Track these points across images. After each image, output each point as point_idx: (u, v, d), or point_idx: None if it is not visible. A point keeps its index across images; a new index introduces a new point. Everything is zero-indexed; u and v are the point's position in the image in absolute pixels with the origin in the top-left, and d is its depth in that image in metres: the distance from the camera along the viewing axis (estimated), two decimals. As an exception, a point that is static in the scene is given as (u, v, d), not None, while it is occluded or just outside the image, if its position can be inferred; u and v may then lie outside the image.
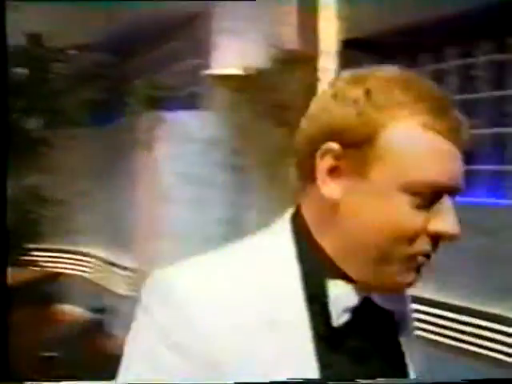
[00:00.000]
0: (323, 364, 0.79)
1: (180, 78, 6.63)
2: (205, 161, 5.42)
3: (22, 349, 4.30)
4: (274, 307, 0.78)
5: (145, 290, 0.80)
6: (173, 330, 0.76)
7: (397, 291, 0.86)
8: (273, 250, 0.83)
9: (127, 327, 0.81)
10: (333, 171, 0.81)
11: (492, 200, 4.24)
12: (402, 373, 0.88)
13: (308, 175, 0.83)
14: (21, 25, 4.48)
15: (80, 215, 7.34)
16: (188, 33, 6.41)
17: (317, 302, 0.81)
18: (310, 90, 4.06)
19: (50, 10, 6.07)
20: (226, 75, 5.36)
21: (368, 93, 0.80)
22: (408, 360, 0.88)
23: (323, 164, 0.81)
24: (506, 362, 4.01)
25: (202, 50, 5.95)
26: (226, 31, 5.53)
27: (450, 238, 0.79)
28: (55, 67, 6.01)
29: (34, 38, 5.81)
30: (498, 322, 4.09)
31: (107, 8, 5.99)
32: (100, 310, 6.80)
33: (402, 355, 0.88)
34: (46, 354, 5.18)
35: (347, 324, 0.81)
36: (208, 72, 5.66)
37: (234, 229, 5.07)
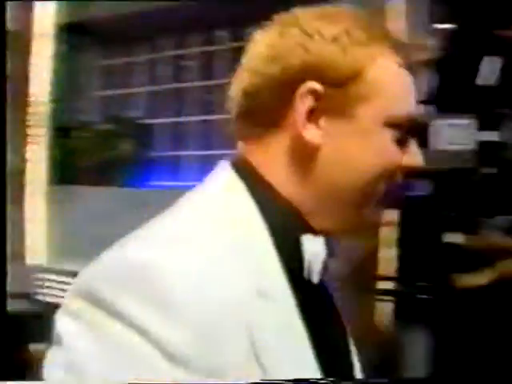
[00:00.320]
0: (309, 327, 0.75)
1: None
2: None
3: None
4: (256, 274, 0.71)
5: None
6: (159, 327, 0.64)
7: (366, 233, 0.85)
8: (235, 209, 0.75)
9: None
10: (312, 113, 0.75)
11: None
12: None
13: (268, 122, 0.77)
14: None
15: None
16: None
17: (293, 260, 0.76)
18: (23, 74, 4.00)
19: None
20: None
21: (348, 30, 0.77)
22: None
23: (302, 106, 0.75)
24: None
25: None
26: None
27: (417, 170, 0.80)
28: None
29: None
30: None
31: None
32: None
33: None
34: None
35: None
36: None
37: None
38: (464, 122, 2.40)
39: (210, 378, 0.64)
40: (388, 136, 0.77)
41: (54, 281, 4.17)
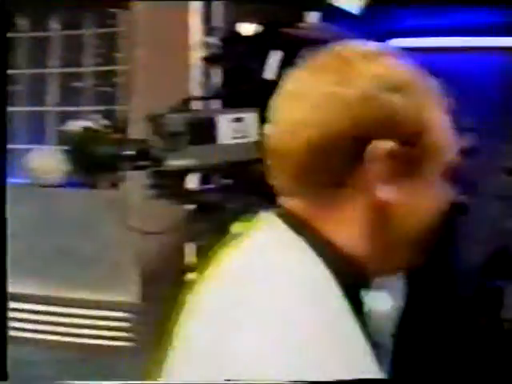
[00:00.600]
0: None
1: None
2: None
3: None
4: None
5: None
6: None
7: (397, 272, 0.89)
8: (302, 267, 0.72)
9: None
10: (386, 173, 0.73)
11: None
12: None
13: (331, 180, 0.73)
14: None
15: None
16: None
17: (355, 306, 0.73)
18: None
19: None
20: None
21: (407, 78, 0.74)
22: None
23: (379, 167, 0.72)
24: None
25: None
26: None
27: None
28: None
29: None
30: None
31: None
32: None
33: None
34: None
35: None
36: None
37: None
38: (248, 115, 2.47)
39: None
40: (440, 181, 0.78)
41: None
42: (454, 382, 2.47)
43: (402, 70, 0.76)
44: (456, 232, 4.18)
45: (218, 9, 3.31)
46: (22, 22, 4.82)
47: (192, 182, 2.66)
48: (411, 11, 4.66)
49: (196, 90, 3.11)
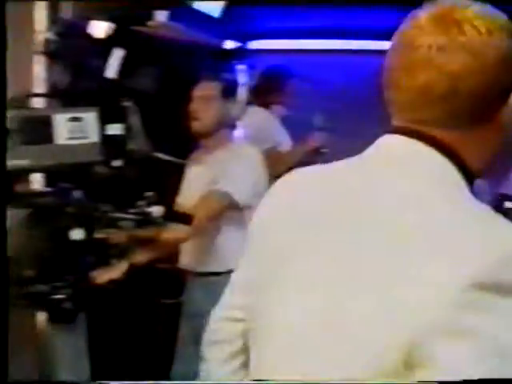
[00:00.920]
0: None
1: None
2: None
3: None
4: None
5: None
6: None
7: None
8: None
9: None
10: None
11: None
12: None
13: (478, 117, 0.96)
14: None
15: None
16: None
17: None
18: None
19: None
20: None
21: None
22: None
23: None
24: None
25: None
26: None
27: None
28: None
29: None
30: None
31: None
32: None
33: None
34: None
35: None
36: None
37: None
38: (87, 114, 2.35)
39: None
40: None
41: None
42: None
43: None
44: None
45: (67, 3, 3.15)
46: None
47: (33, 184, 2.50)
48: (271, 13, 4.72)
49: (38, 86, 2.93)
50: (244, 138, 4.22)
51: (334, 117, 4.39)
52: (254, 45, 5.34)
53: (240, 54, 5.10)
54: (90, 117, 2.33)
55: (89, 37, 2.69)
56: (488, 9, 0.97)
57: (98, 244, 2.34)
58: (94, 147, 2.33)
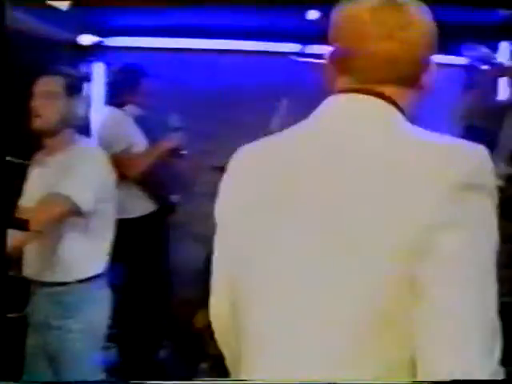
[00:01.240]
0: None
1: None
2: None
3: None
4: None
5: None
6: None
7: None
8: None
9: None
10: None
11: None
12: None
13: (410, 82, 1.21)
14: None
15: None
16: None
17: None
18: None
19: None
20: None
21: None
22: None
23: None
24: None
25: None
26: None
27: None
28: None
29: None
30: None
31: None
32: None
33: None
34: None
35: None
36: None
37: None
38: None
39: None
40: None
41: None
42: None
43: None
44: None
45: None
46: None
47: None
48: (129, 10, 4.57)
49: None
50: (96, 138, 4.04)
51: (195, 118, 4.31)
52: (112, 42, 5.14)
53: (96, 51, 4.90)
54: None
55: None
56: None
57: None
58: None
